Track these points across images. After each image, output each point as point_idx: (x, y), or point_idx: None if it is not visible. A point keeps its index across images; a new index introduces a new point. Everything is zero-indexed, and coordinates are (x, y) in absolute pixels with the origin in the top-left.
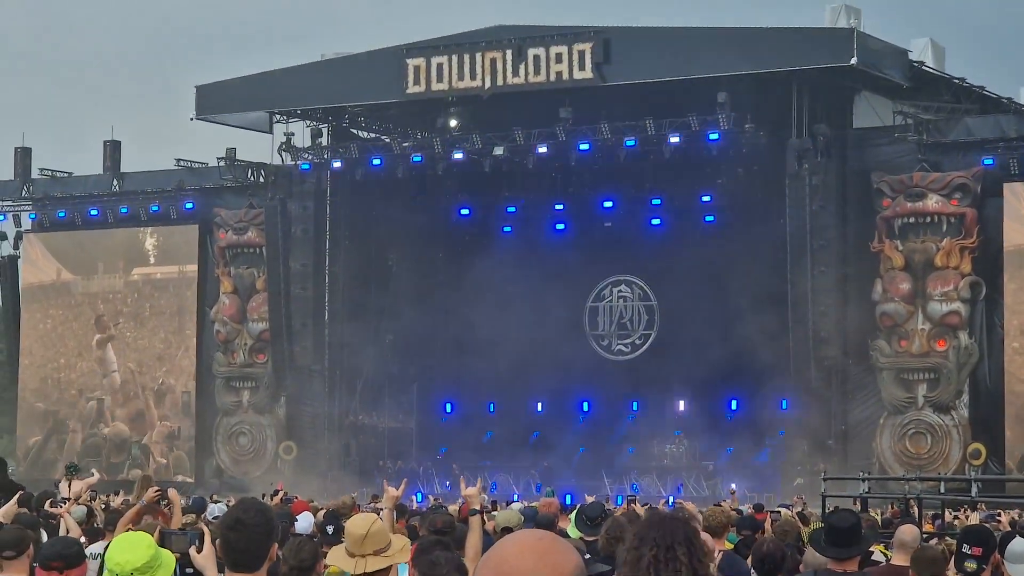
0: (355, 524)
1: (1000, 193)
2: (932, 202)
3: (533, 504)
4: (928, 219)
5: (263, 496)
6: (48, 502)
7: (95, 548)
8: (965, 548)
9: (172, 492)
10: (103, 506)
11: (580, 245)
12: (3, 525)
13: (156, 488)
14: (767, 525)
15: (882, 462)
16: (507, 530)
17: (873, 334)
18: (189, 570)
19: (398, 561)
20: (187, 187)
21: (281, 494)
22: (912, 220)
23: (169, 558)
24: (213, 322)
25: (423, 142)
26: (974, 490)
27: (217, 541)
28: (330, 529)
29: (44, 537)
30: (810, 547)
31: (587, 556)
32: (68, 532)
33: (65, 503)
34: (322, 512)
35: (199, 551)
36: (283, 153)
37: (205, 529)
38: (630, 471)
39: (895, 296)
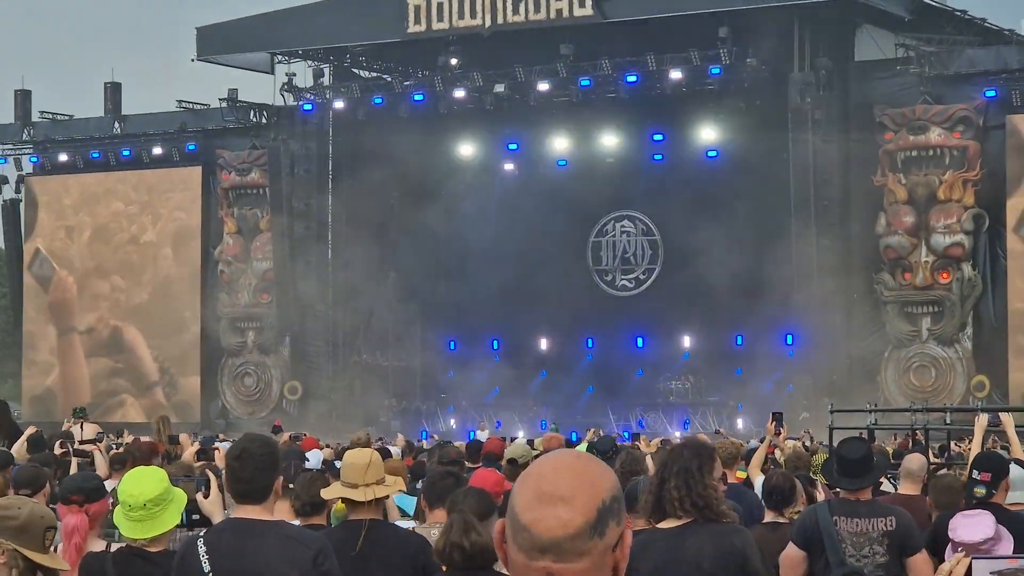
0: (355, 456)
1: (1003, 125)
2: (935, 135)
3: (539, 440)
4: (931, 152)
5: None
6: (58, 443)
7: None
8: (975, 474)
9: (183, 436)
10: (112, 446)
11: (582, 181)
12: (16, 464)
13: (197, 445)
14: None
15: (887, 396)
16: (513, 462)
17: (877, 267)
18: (196, 516)
19: (398, 489)
20: (189, 129)
21: (278, 431)
22: (915, 153)
23: (181, 495)
24: (217, 263)
25: (424, 81)
26: None
27: (223, 474)
28: (337, 464)
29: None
30: (915, 455)
31: None
32: (96, 469)
33: (74, 445)
34: (328, 450)
35: (206, 496)
36: (285, 94)
37: (211, 475)
38: (635, 407)
39: (898, 229)
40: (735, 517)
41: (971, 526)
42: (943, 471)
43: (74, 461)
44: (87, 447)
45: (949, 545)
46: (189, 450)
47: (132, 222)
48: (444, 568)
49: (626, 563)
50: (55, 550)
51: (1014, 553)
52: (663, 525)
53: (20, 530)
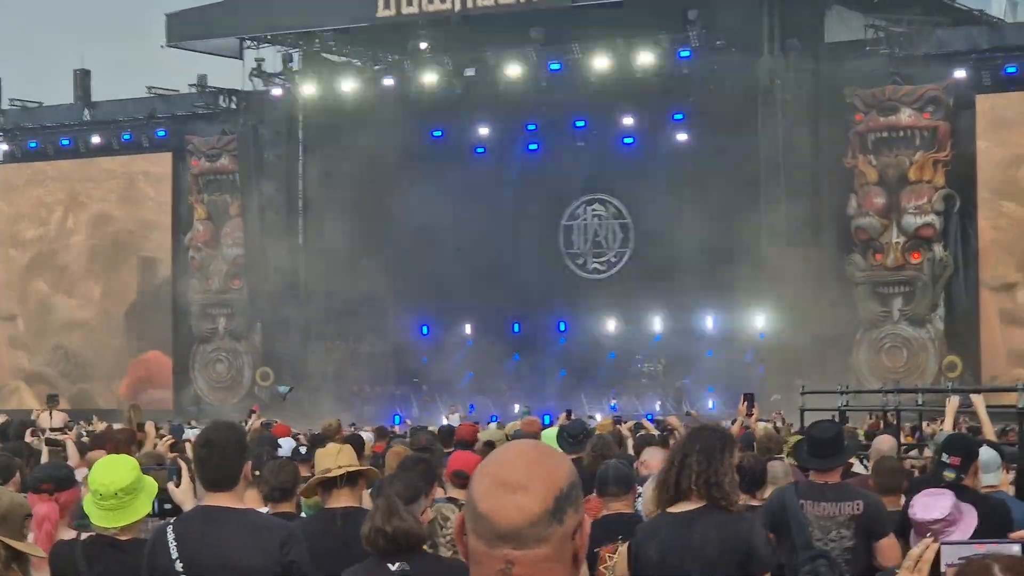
0: (325, 450)
1: (972, 105)
2: (905, 116)
3: (515, 426)
4: (901, 133)
5: (243, 423)
6: (29, 431)
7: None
8: (944, 457)
9: (148, 425)
10: (81, 434)
11: (553, 165)
12: None
13: (170, 439)
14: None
15: (859, 377)
16: (490, 444)
17: (848, 248)
18: (168, 505)
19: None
20: (159, 115)
21: (259, 418)
22: (885, 134)
23: (152, 483)
24: (187, 249)
25: (394, 65)
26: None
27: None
28: (302, 450)
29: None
30: (775, 463)
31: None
32: (68, 459)
33: (44, 433)
34: (303, 435)
35: (177, 485)
36: (254, 79)
37: (183, 464)
38: (608, 390)
39: (869, 210)
40: (742, 507)
41: (927, 505)
42: (911, 453)
43: (45, 450)
44: (57, 435)
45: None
46: (151, 438)
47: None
48: (370, 552)
49: (585, 551)
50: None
51: (990, 537)
52: (672, 509)
53: (1, 519)
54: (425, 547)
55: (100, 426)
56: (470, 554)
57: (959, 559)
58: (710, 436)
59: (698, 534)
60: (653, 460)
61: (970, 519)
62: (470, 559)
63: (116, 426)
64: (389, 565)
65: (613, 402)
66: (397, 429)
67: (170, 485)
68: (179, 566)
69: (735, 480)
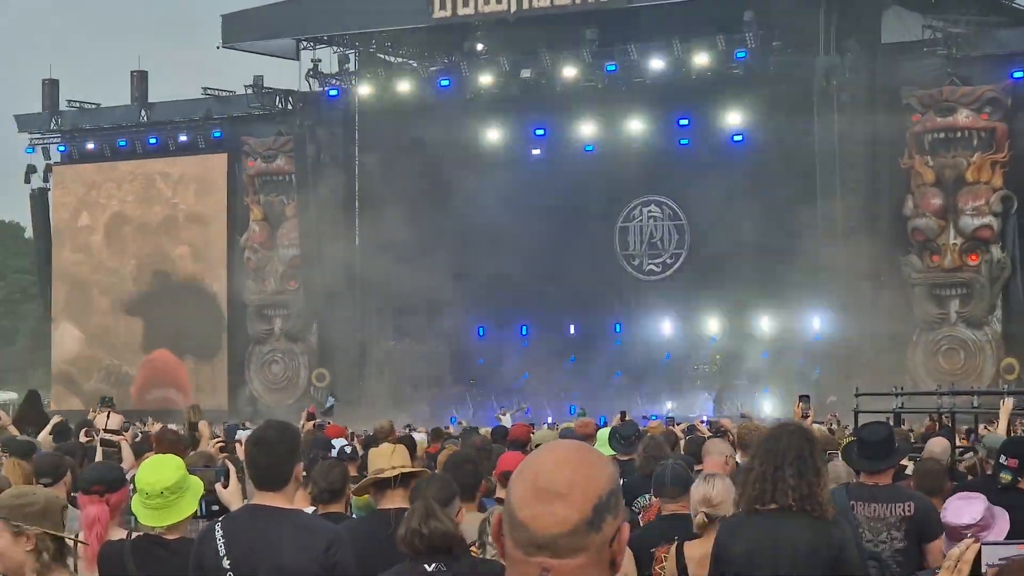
0: (379, 449)
1: None
2: (962, 116)
3: (567, 425)
4: (958, 134)
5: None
6: (83, 431)
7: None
8: (1002, 459)
9: (203, 424)
10: (137, 434)
11: (609, 166)
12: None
13: (220, 440)
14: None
15: (915, 379)
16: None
17: (904, 250)
18: (215, 507)
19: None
20: (215, 116)
21: (312, 419)
22: (942, 135)
23: (197, 483)
24: (243, 250)
25: (450, 66)
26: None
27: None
28: (348, 449)
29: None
30: (837, 461)
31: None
32: (123, 460)
33: (99, 434)
34: (358, 437)
35: (225, 486)
36: (310, 80)
37: (230, 465)
38: (664, 391)
39: (926, 211)
40: (833, 510)
41: (959, 509)
42: (965, 455)
43: (99, 450)
44: (113, 437)
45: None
46: (206, 438)
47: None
48: (407, 554)
49: (623, 556)
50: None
51: None
52: (760, 507)
53: (42, 514)
54: (475, 548)
55: (155, 427)
56: (507, 558)
57: (1000, 559)
58: (800, 442)
59: (789, 534)
60: (714, 457)
61: (1003, 523)
62: (507, 562)
63: (171, 427)
64: (425, 566)
65: (669, 405)
66: (452, 430)
67: (218, 486)
68: (226, 563)
69: (827, 485)
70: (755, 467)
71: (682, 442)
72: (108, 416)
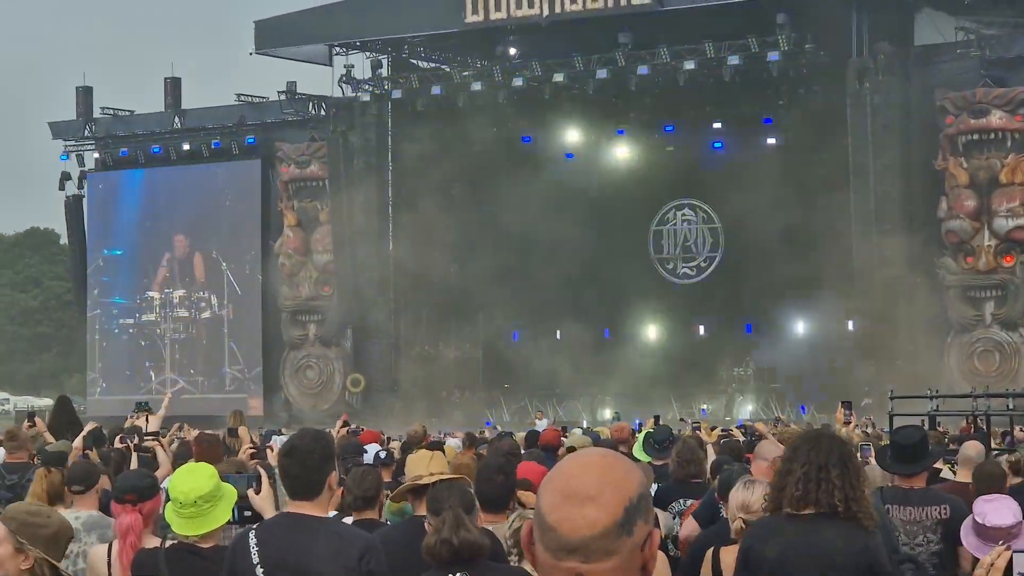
0: (416, 455)
1: None
2: (996, 118)
3: (597, 429)
4: (992, 135)
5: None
6: (118, 438)
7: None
8: None
9: (242, 430)
10: (174, 440)
11: (642, 170)
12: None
13: (251, 447)
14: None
15: (950, 381)
16: (572, 450)
17: (939, 252)
18: (248, 512)
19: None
20: (248, 122)
21: (346, 425)
22: (976, 137)
23: (231, 491)
24: (277, 255)
25: (483, 71)
26: None
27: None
28: (382, 455)
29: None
30: (872, 465)
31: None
32: (159, 466)
33: (136, 440)
34: (395, 442)
35: (257, 493)
36: (343, 85)
37: (263, 472)
38: (697, 396)
39: (960, 213)
40: (876, 519)
41: (998, 510)
42: (1000, 458)
43: (134, 457)
44: (149, 442)
45: (966, 530)
46: (245, 443)
47: None
48: (431, 563)
49: (655, 562)
50: (109, 547)
51: None
52: (792, 511)
53: (51, 539)
54: (513, 556)
55: (191, 433)
56: (538, 564)
57: None
58: (841, 447)
59: (824, 540)
60: (760, 463)
61: None
62: (538, 568)
63: (208, 432)
64: (450, 575)
65: (703, 407)
66: (487, 433)
67: (250, 492)
68: (260, 571)
69: (868, 491)
70: (795, 469)
71: (710, 446)
72: (147, 420)
